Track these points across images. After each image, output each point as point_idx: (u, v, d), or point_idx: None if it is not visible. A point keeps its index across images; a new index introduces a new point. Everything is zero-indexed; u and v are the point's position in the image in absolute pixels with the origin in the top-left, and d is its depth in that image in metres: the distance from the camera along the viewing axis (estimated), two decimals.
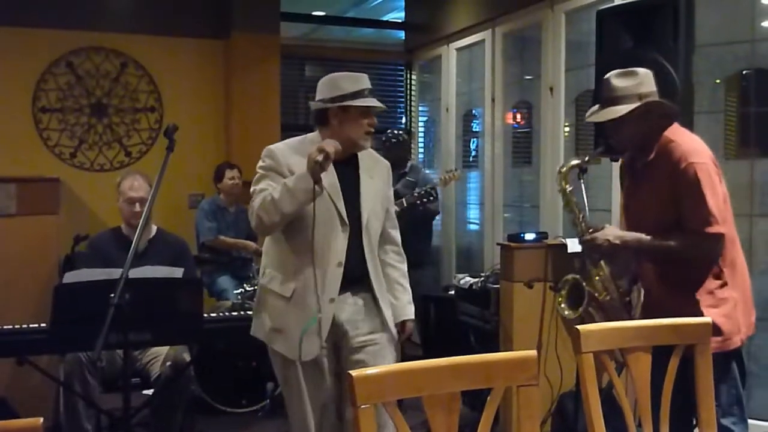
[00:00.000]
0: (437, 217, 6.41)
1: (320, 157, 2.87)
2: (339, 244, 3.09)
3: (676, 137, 3.02)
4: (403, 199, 5.31)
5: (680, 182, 2.93)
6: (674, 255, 2.99)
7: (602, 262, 3.22)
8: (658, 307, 3.02)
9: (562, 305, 3.41)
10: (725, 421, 2.88)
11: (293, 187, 2.94)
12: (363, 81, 3.13)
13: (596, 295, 3.23)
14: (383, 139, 6.06)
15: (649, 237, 3.01)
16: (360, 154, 3.23)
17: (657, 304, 3.09)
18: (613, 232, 3.10)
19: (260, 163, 3.15)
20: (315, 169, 2.88)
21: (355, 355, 3.14)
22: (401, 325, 3.34)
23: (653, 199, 3.06)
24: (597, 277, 3.23)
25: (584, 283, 3.25)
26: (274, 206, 2.96)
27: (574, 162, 3.29)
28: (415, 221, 5.67)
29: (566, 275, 3.44)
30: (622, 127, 3.04)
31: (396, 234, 3.41)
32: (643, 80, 3.06)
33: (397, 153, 5.96)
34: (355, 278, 3.14)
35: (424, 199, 5.38)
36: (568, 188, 3.27)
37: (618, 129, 3.06)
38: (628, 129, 3.04)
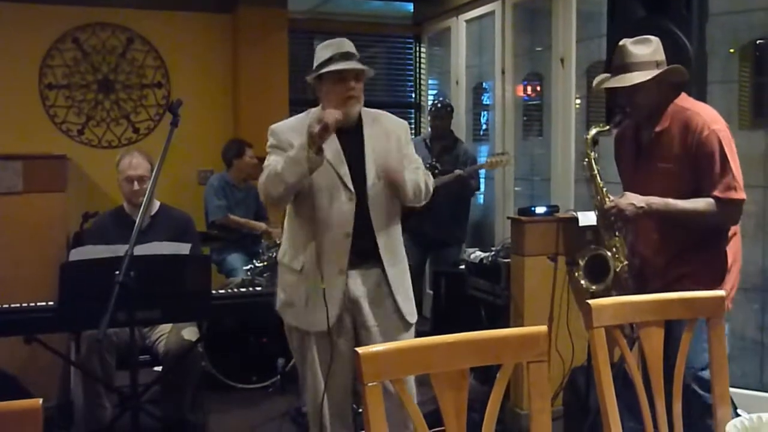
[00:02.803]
0: None
1: (316, 128, 2.84)
2: (345, 213, 3.05)
3: (689, 105, 3.02)
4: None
5: (702, 149, 2.92)
6: (698, 220, 2.97)
7: (618, 233, 3.19)
8: (654, 276, 3.02)
9: (582, 281, 3.35)
10: (704, 374, 2.84)
11: (294, 157, 2.93)
12: (335, 46, 3.08)
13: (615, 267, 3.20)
14: (431, 107, 6.06)
15: (675, 201, 2.98)
16: (364, 119, 3.17)
17: (654, 273, 3.10)
18: (636, 197, 3.05)
19: (267, 143, 3.17)
20: (314, 139, 2.85)
21: (366, 336, 3.12)
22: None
23: (666, 168, 3.04)
24: (614, 249, 3.19)
25: (607, 254, 3.20)
26: (278, 178, 2.97)
27: (601, 128, 3.23)
28: (455, 199, 5.70)
29: (582, 249, 3.40)
30: (638, 94, 3.02)
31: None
32: (657, 48, 3.06)
33: (445, 123, 5.97)
34: (366, 251, 3.10)
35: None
36: (594, 155, 3.22)
37: (634, 96, 3.04)
38: (644, 96, 3.02)
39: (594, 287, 3.31)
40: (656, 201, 3.01)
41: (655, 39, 3.07)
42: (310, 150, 2.87)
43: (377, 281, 3.14)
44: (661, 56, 3.05)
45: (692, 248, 3.05)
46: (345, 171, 3.06)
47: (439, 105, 6.04)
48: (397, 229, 3.22)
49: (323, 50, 3.09)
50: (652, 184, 3.08)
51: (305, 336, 3.12)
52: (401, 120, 3.33)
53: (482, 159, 6.25)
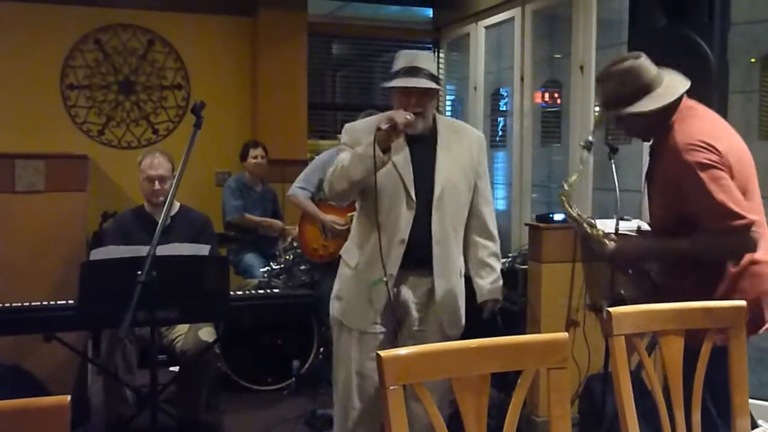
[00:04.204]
0: None
1: (384, 125, 2.85)
2: (403, 220, 3.08)
3: (677, 121, 2.77)
4: None
5: (682, 176, 2.68)
6: (702, 255, 2.74)
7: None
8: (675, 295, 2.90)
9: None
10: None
11: (361, 154, 2.95)
12: (406, 58, 3.09)
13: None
14: None
15: (670, 246, 2.81)
16: (440, 128, 3.19)
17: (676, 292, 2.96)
18: (635, 248, 3.00)
19: (340, 140, 3.23)
20: (381, 136, 2.87)
21: (408, 339, 3.15)
22: (483, 305, 3.33)
23: (658, 189, 2.89)
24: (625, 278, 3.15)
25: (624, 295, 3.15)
26: (343, 173, 3.00)
27: (574, 177, 3.11)
28: None
29: (602, 293, 3.33)
30: (635, 118, 2.83)
31: (488, 210, 3.32)
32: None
33: None
34: (420, 259, 3.11)
35: None
36: (574, 211, 3.07)
37: (630, 120, 2.87)
38: (640, 120, 2.83)
39: None
40: (651, 251, 2.94)
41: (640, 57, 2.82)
42: (377, 148, 2.88)
43: (427, 291, 3.16)
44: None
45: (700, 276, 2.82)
46: (410, 178, 3.08)
47: None
48: (458, 242, 3.23)
49: (397, 60, 3.11)
50: (653, 202, 2.96)
51: (346, 331, 3.16)
52: (478, 132, 3.35)
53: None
